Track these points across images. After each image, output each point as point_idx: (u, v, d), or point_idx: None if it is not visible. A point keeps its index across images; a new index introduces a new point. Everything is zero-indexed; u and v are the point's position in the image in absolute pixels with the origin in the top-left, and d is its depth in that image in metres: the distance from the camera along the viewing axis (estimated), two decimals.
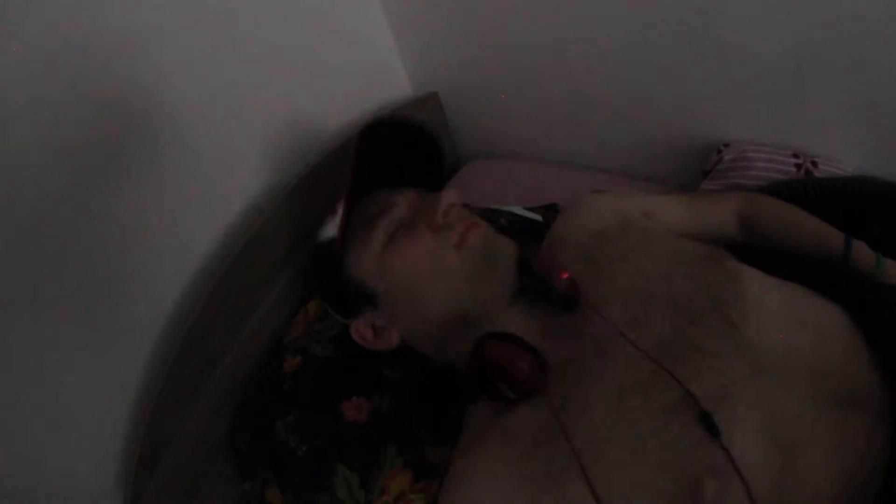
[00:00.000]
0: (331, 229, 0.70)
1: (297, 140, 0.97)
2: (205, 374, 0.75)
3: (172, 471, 0.70)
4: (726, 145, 0.96)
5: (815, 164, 0.91)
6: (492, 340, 0.53)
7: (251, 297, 0.81)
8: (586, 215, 0.71)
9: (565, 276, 0.57)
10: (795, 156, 0.92)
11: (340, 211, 0.63)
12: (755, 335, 0.51)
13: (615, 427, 0.47)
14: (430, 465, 0.63)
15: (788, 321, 0.54)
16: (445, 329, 0.61)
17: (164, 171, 0.74)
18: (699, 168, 0.99)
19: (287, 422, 0.69)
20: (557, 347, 0.55)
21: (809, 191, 0.86)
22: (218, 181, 0.83)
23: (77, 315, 0.66)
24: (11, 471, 0.62)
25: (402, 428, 0.66)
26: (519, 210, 0.90)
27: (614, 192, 0.79)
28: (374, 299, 0.63)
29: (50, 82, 0.60)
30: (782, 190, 0.87)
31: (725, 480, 0.43)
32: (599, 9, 0.92)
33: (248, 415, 0.75)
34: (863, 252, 0.65)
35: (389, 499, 0.62)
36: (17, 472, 0.62)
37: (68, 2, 0.61)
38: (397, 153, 0.69)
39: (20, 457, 0.62)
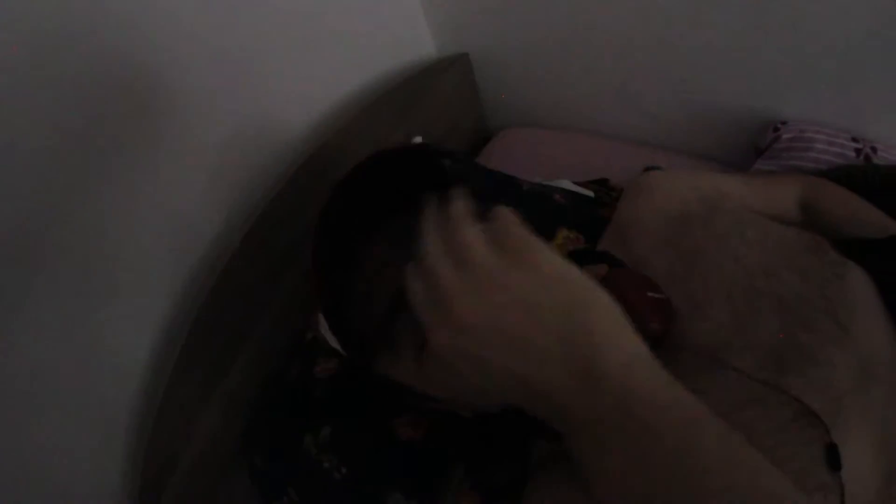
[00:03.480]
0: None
1: (308, 110, 0.88)
2: (213, 378, 0.65)
3: (178, 493, 0.61)
4: (784, 123, 0.91)
5: (874, 149, 0.87)
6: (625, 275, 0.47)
7: (264, 287, 0.71)
8: (661, 196, 0.64)
9: (656, 323, 0.47)
10: (855, 140, 0.88)
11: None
12: (864, 338, 0.48)
13: None
14: (498, 489, 0.54)
15: (886, 318, 0.51)
16: None
17: (164, 146, 0.65)
18: (752, 146, 0.94)
19: (320, 437, 0.59)
20: None
21: (869, 178, 0.82)
22: (223, 154, 0.74)
23: (72, 308, 0.58)
24: None
25: (471, 448, 0.56)
26: (568, 185, 0.83)
27: (680, 170, 0.72)
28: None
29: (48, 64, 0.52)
30: (841, 175, 0.83)
31: (832, 498, 0.40)
32: None
33: (266, 425, 0.64)
34: None
35: None
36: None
37: None
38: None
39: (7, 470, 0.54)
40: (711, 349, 0.47)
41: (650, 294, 0.48)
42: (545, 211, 0.73)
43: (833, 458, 0.40)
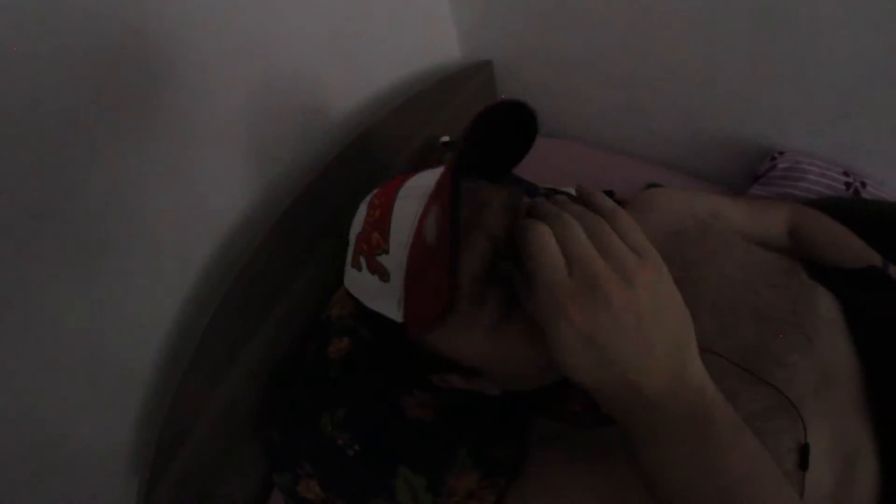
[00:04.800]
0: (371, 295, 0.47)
1: (332, 108, 0.91)
2: (232, 351, 0.68)
3: (191, 459, 0.63)
4: (781, 153, 0.97)
5: (863, 184, 0.93)
6: None
7: (289, 270, 0.75)
8: (661, 212, 0.70)
9: None
10: (846, 174, 0.94)
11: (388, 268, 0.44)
12: (826, 349, 0.54)
13: None
14: (497, 463, 0.60)
15: (846, 334, 0.57)
16: None
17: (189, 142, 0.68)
18: (750, 172, 1.00)
19: (336, 416, 0.63)
20: None
21: (857, 211, 0.88)
22: (251, 148, 0.77)
23: (91, 272, 0.58)
24: (7, 442, 0.54)
25: (474, 428, 0.61)
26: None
27: (679, 189, 0.79)
28: (469, 370, 0.48)
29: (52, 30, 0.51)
30: (830, 206, 0.89)
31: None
32: None
33: (284, 402, 0.68)
34: None
35: (460, 499, 0.59)
36: (14, 442, 0.55)
37: None
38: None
39: (16, 425, 0.55)
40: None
41: None
42: None
43: (804, 457, 0.46)
